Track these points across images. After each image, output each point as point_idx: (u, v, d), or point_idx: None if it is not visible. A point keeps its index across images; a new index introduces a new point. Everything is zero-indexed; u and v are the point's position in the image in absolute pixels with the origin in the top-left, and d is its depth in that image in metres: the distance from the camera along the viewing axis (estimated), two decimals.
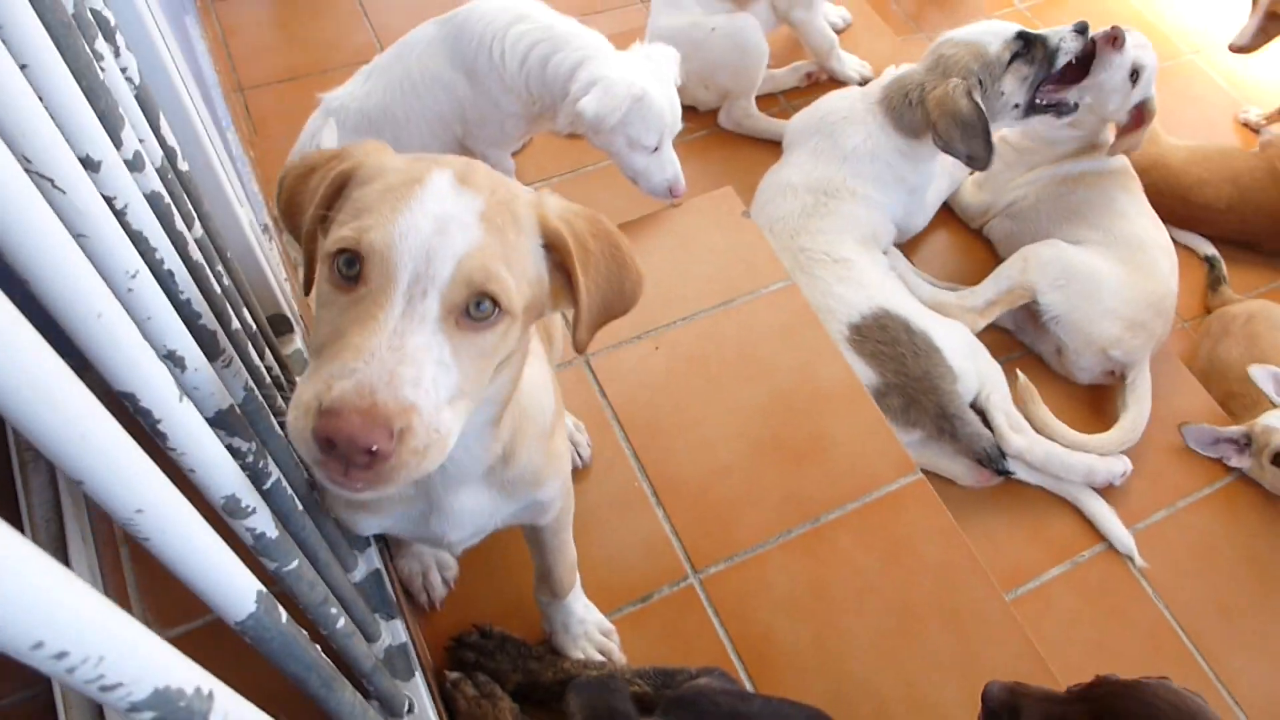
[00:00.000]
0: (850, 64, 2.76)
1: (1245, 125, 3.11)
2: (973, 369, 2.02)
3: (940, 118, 2.10)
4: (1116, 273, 2.18)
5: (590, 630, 1.46)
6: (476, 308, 0.75)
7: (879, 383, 1.97)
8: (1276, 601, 1.95)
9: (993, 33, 2.16)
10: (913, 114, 2.16)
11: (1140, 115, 2.28)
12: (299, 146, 2.12)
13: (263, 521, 0.78)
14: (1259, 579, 1.98)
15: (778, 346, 1.91)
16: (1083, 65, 2.21)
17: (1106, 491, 2.04)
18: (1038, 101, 2.20)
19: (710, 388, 1.85)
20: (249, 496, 0.75)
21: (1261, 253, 2.74)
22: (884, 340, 1.98)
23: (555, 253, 0.86)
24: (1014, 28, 2.16)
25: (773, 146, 2.55)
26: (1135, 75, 2.21)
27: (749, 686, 1.50)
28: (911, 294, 2.17)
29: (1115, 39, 2.19)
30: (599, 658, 1.43)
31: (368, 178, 0.81)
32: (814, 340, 1.92)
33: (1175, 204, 2.70)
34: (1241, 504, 2.06)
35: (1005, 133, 2.42)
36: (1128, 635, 1.89)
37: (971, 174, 2.50)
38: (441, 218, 0.75)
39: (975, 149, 2.09)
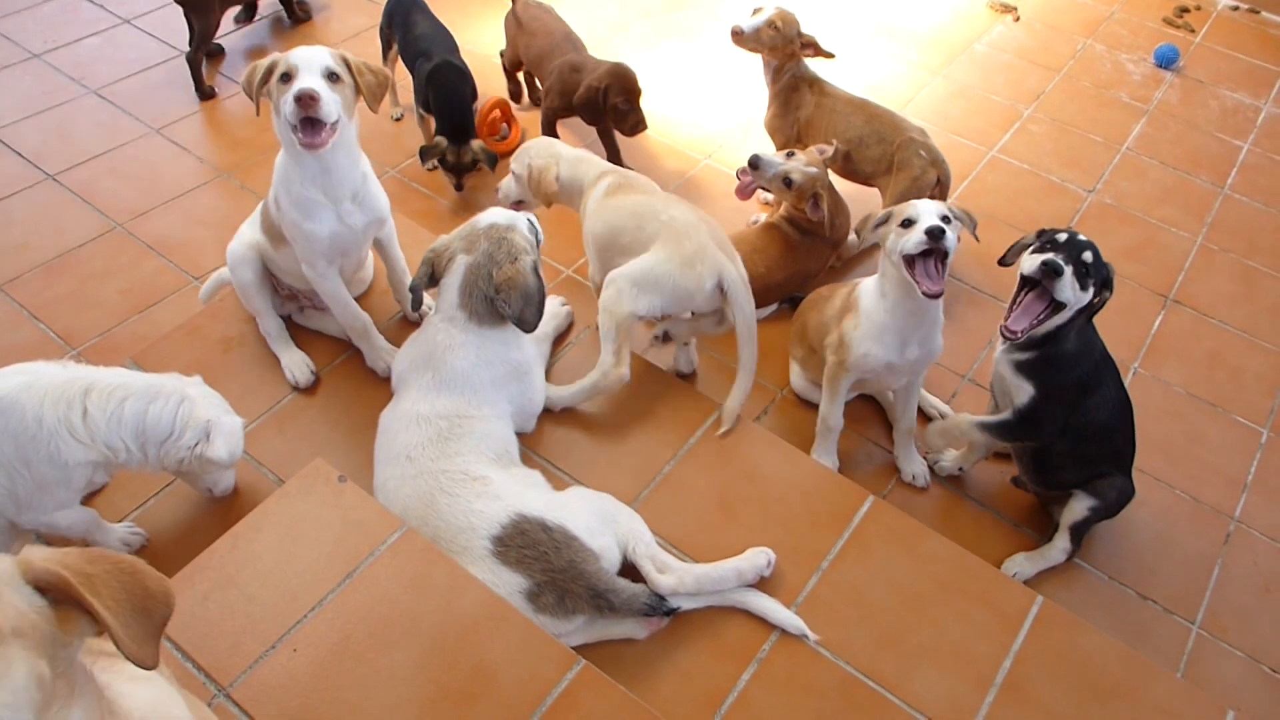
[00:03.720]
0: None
1: (765, 203, 3.61)
2: (611, 541, 2.11)
3: (509, 292, 2.26)
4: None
5: None
6: None
7: (530, 585, 2.00)
8: (923, 614, 2.18)
9: (519, 216, 2.45)
10: (489, 303, 2.30)
11: None
12: None
13: None
14: (903, 599, 2.21)
15: (414, 598, 1.92)
16: None
17: (765, 582, 2.21)
18: None
19: (362, 667, 1.82)
20: None
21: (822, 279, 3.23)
22: (525, 545, 2.02)
23: (55, 592, 0.98)
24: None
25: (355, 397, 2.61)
26: None
27: None
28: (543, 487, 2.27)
29: None
30: None
31: None
32: (446, 576, 1.95)
33: None
34: (870, 542, 2.31)
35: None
36: (824, 703, 2.03)
37: None
38: None
39: (531, 315, 2.29)
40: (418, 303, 2.41)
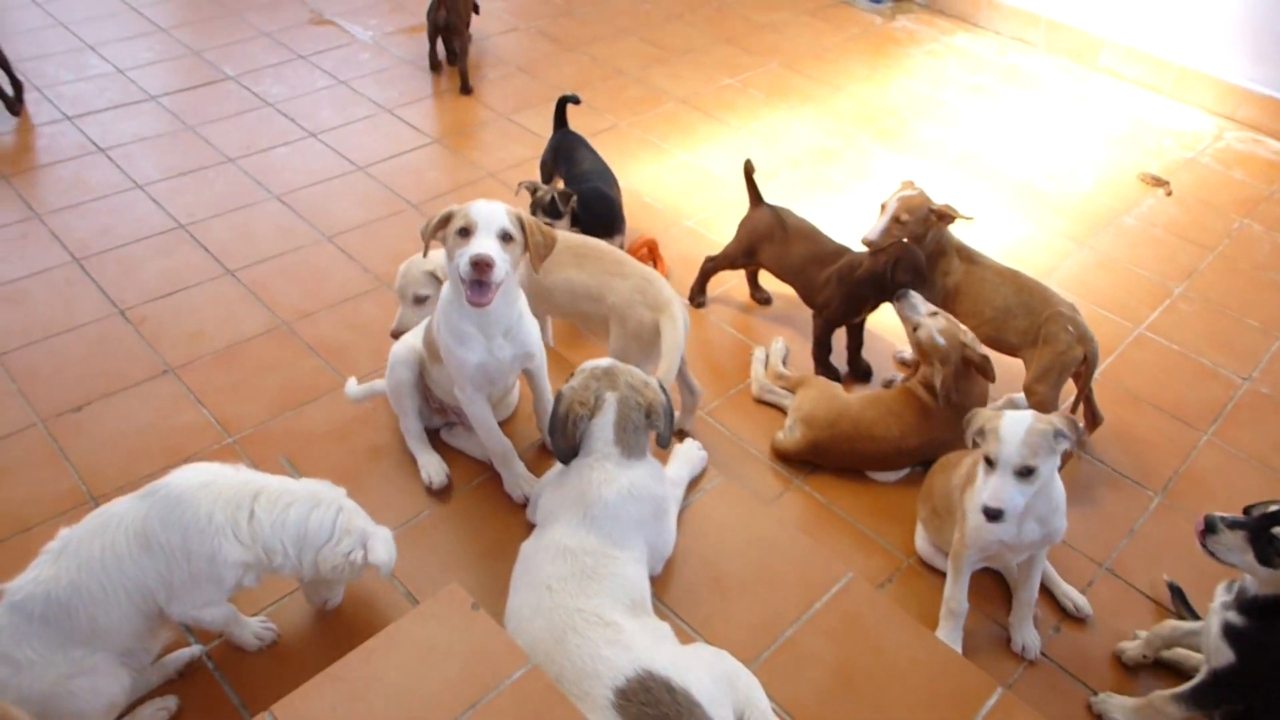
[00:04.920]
0: None
1: (902, 364, 3.61)
2: (730, 713, 2.07)
3: (657, 413, 2.42)
4: None
5: None
6: None
7: None
8: None
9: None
10: (640, 433, 2.42)
11: None
12: None
13: None
14: None
15: None
16: None
17: None
18: None
19: None
20: None
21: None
22: (648, 703, 1.99)
23: None
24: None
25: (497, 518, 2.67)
26: None
27: None
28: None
29: None
30: None
31: None
32: None
33: (867, 444, 3.11)
34: None
35: None
36: None
37: None
38: None
39: (669, 429, 2.47)
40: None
